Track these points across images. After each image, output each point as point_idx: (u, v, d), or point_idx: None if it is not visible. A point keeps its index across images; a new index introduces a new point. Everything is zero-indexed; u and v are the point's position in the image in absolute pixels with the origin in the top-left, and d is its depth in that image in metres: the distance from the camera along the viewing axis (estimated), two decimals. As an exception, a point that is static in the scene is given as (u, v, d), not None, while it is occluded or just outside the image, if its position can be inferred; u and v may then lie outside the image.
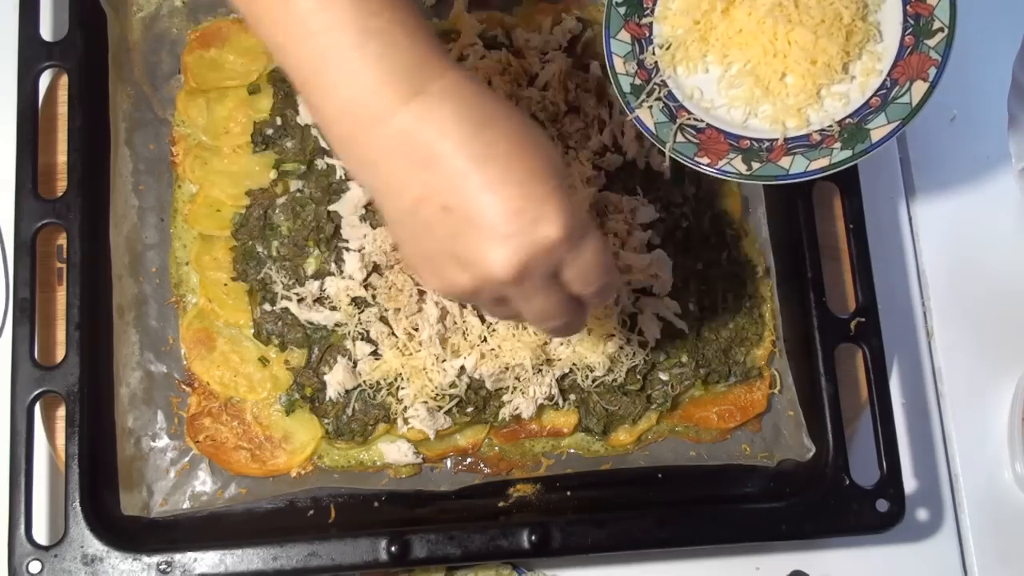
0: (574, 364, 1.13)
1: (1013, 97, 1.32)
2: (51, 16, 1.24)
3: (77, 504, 1.05)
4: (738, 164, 1.05)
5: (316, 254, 1.17)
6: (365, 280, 1.15)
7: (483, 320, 1.12)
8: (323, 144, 1.19)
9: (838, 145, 1.03)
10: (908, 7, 1.04)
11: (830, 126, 1.05)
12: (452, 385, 1.11)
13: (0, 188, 1.17)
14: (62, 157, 1.18)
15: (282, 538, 1.06)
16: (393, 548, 1.04)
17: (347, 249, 1.16)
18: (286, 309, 1.15)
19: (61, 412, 1.10)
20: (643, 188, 1.19)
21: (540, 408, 1.14)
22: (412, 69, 0.77)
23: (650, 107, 1.09)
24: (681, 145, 1.08)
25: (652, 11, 1.13)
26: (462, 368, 1.12)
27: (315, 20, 0.76)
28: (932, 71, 1.01)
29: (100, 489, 1.09)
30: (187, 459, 1.15)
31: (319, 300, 1.16)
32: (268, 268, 1.16)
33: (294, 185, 1.19)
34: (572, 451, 1.17)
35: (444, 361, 1.11)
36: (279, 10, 0.77)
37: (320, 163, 1.19)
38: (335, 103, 0.78)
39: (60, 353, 1.11)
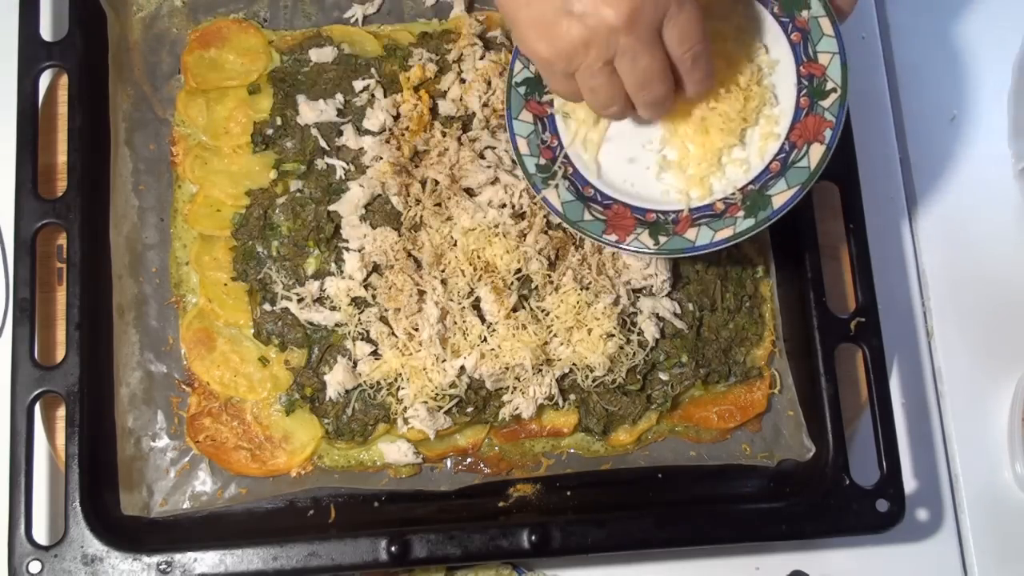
0: (574, 364, 1.13)
1: (1013, 97, 1.32)
2: (51, 16, 1.24)
3: (77, 504, 1.05)
4: (645, 239, 1.04)
5: (316, 254, 1.17)
6: (365, 280, 1.15)
7: (483, 320, 1.13)
8: (323, 144, 1.20)
9: (741, 213, 1.02)
10: (801, 68, 1.02)
11: (733, 194, 1.04)
12: (452, 385, 1.11)
13: (0, 188, 1.17)
14: (62, 157, 1.18)
15: (282, 538, 1.06)
16: (393, 548, 1.04)
17: (347, 249, 1.16)
18: (286, 309, 1.15)
19: (61, 412, 1.10)
20: (643, 188, 1.19)
21: (540, 408, 1.14)
22: None
23: (556, 186, 1.08)
24: (588, 224, 1.06)
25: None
26: (462, 368, 1.12)
27: None
28: (828, 133, 1.00)
29: (100, 489, 1.09)
30: (187, 459, 1.15)
31: (319, 300, 1.16)
32: (268, 268, 1.16)
33: (294, 185, 1.19)
34: (572, 451, 1.17)
35: (444, 361, 1.11)
36: None
37: (320, 163, 1.19)
38: None
39: (60, 353, 1.11)
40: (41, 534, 1.08)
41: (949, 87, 1.36)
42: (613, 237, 1.05)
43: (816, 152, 1.00)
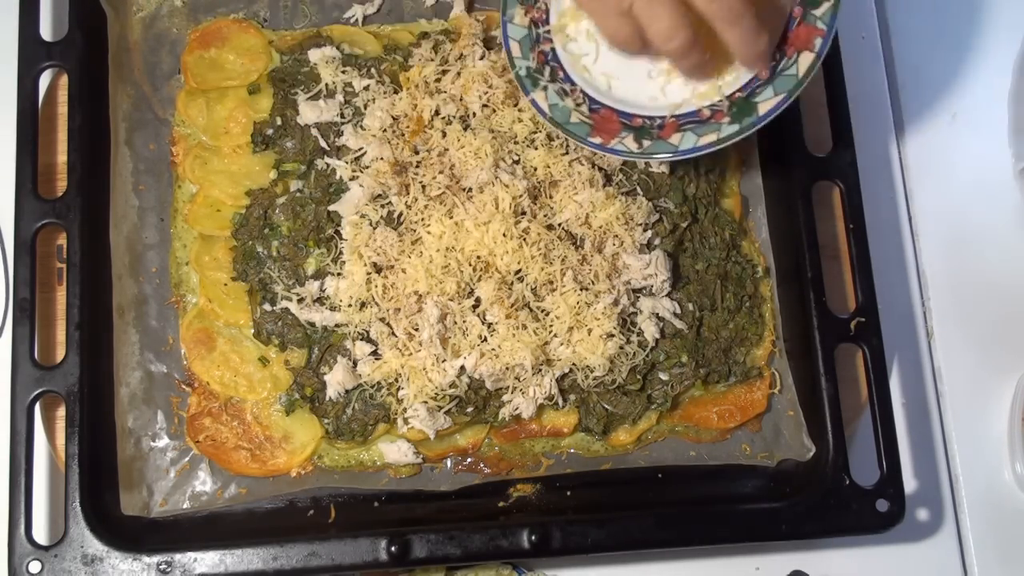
0: (574, 364, 1.13)
1: (1013, 97, 1.32)
2: (51, 16, 1.24)
3: (77, 504, 1.05)
4: (629, 143, 1.06)
5: (316, 254, 1.17)
6: (365, 280, 1.15)
7: (483, 320, 1.12)
8: (323, 144, 1.20)
9: (727, 120, 1.03)
10: None
11: (719, 101, 1.04)
12: (452, 385, 1.11)
13: (0, 188, 1.17)
14: (62, 157, 1.18)
15: (282, 538, 1.06)
16: (393, 548, 1.04)
17: (347, 249, 1.16)
18: (286, 309, 1.15)
19: (61, 412, 1.10)
20: (642, 188, 1.19)
21: (540, 408, 1.14)
22: None
23: (544, 89, 1.10)
24: (575, 126, 1.08)
25: None
26: (462, 368, 1.11)
27: None
28: (818, 41, 1.00)
29: (100, 489, 1.09)
30: (187, 459, 1.15)
31: (319, 300, 1.16)
32: (268, 268, 1.16)
33: (294, 185, 1.19)
34: (572, 451, 1.17)
35: (444, 361, 1.11)
36: None
37: (320, 163, 1.19)
38: None
39: (60, 353, 1.11)
40: (41, 534, 1.07)
41: (949, 87, 1.36)
42: (598, 140, 1.07)
43: (805, 60, 1.01)
